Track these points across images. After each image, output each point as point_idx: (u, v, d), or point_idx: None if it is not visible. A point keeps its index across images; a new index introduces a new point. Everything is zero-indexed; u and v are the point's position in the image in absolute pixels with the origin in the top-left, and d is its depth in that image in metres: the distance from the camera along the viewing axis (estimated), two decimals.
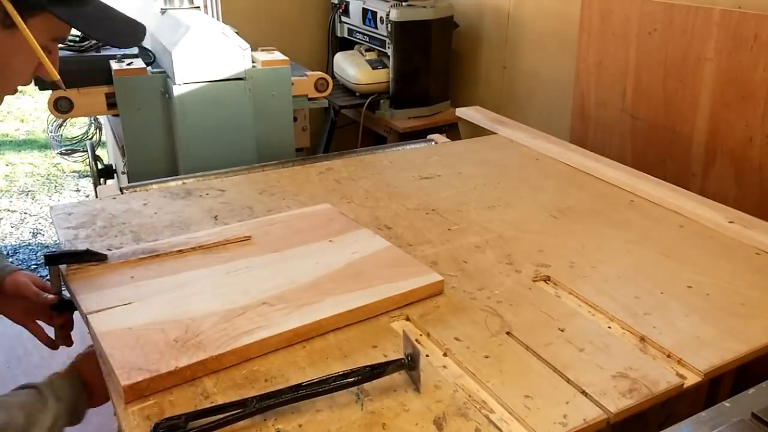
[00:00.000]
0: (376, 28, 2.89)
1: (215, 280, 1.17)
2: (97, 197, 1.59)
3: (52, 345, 1.26)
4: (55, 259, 1.18)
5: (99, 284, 1.14)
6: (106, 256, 1.21)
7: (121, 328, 1.02)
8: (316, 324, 1.05)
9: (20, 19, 0.85)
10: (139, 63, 2.04)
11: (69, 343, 1.26)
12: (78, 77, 2.02)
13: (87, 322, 1.05)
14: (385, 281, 1.16)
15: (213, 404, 0.89)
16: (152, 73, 2.03)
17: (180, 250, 1.26)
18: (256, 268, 1.20)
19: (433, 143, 2.02)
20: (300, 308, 1.08)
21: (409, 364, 0.95)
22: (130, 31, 1.00)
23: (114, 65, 1.99)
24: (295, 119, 2.17)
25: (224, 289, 1.13)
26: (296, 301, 1.10)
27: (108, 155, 3.23)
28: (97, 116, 3.96)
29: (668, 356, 1.03)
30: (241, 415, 0.86)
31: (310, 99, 2.24)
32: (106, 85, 2.02)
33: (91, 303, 1.08)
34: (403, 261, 1.24)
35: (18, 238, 3.51)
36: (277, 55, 2.10)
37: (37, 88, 2.04)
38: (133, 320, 1.04)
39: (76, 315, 1.22)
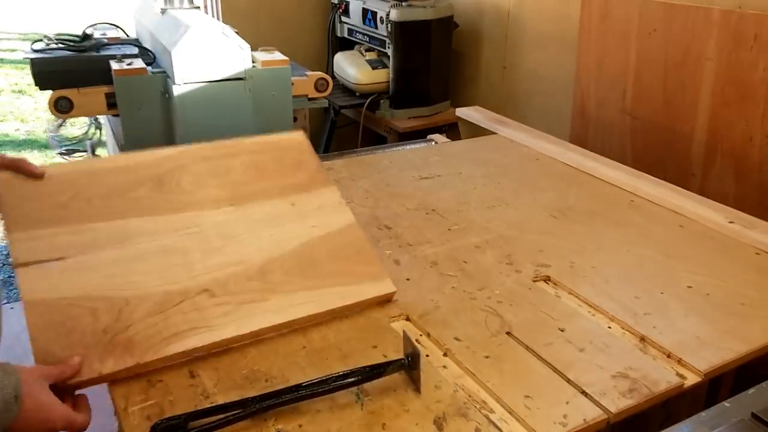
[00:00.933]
0: (376, 28, 2.89)
1: (161, 242, 1.09)
2: None
3: None
4: None
5: (34, 214, 1.05)
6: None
7: (50, 298, 0.97)
8: (252, 333, 1.03)
9: None
10: (139, 63, 2.03)
11: None
12: (78, 77, 2.02)
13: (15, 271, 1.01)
14: (334, 283, 1.12)
15: (213, 404, 0.89)
16: (152, 73, 2.03)
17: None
18: (207, 230, 1.12)
19: (433, 143, 2.02)
20: (240, 306, 1.04)
21: (409, 364, 0.95)
22: None
23: (114, 65, 1.99)
24: (295, 119, 2.17)
25: (168, 259, 1.06)
26: (238, 295, 1.06)
27: (108, 155, 3.22)
28: (97, 116, 3.96)
29: (668, 356, 1.03)
30: (241, 415, 0.86)
31: (310, 99, 2.24)
32: (106, 85, 2.02)
33: (22, 248, 1.01)
34: (361, 255, 1.18)
35: None
36: (277, 55, 2.10)
37: (37, 88, 2.04)
38: (64, 288, 0.98)
39: None
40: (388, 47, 2.85)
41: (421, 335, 1.07)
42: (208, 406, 0.88)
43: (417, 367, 0.94)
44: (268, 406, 0.88)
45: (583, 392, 0.94)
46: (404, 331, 0.99)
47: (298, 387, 0.90)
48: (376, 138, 3.11)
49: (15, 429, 0.82)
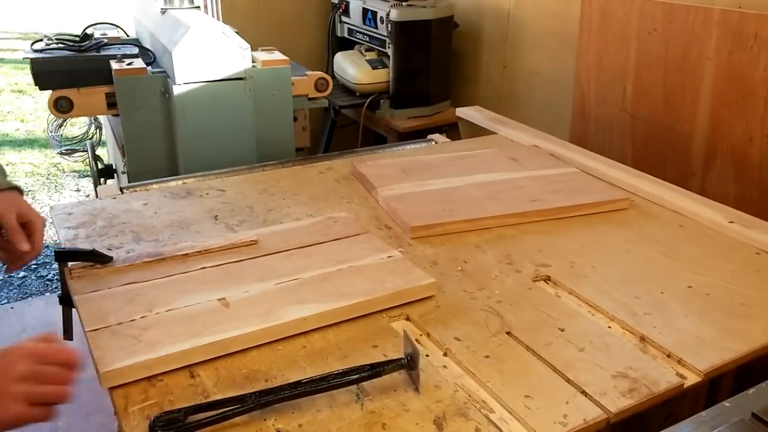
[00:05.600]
0: (376, 28, 2.89)
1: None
2: (97, 197, 1.59)
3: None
4: (64, 255, 1.18)
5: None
6: (111, 258, 1.21)
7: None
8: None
9: None
10: (139, 63, 2.04)
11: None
12: (78, 77, 2.02)
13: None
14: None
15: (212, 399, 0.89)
16: (152, 73, 2.03)
17: (185, 254, 1.24)
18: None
19: (433, 143, 2.02)
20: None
21: (409, 364, 0.95)
22: None
23: (114, 65, 1.99)
24: (295, 119, 2.17)
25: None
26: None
27: (108, 155, 3.23)
28: (97, 116, 3.96)
29: (668, 356, 1.03)
30: (239, 411, 0.86)
31: (310, 99, 2.24)
32: (106, 85, 2.02)
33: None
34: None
35: None
36: (277, 55, 2.10)
37: (37, 88, 2.04)
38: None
39: None
40: (388, 47, 2.85)
41: (421, 335, 1.07)
42: (207, 401, 0.89)
43: (416, 366, 0.94)
44: (267, 402, 0.88)
45: (583, 392, 0.94)
46: (404, 331, 0.99)
47: (297, 384, 0.91)
48: (376, 138, 3.11)
49: None
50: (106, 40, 2.23)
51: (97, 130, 4.44)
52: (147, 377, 0.95)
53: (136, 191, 1.60)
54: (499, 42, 2.84)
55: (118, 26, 2.54)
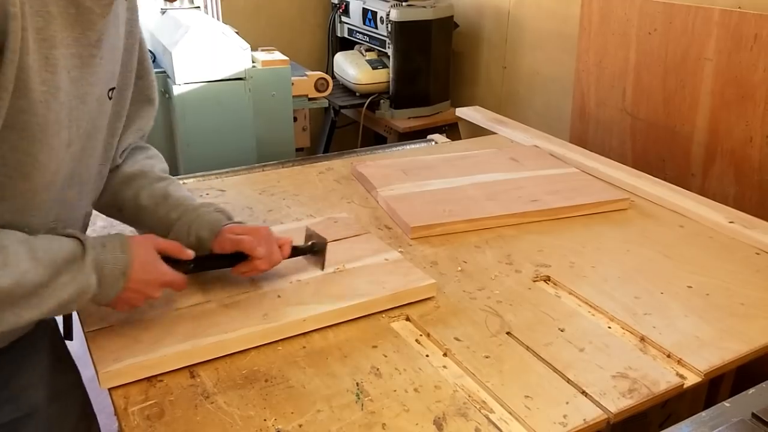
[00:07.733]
0: (376, 28, 2.89)
1: None
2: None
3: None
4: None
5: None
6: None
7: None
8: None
9: None
10: None
11: None
12: None
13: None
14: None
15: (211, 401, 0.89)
16: None
17: None
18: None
19: (433, 143, 2.02)
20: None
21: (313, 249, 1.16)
22: None
23: None
24: (295, 119, 2.17)
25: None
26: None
27: None
28: None
29: (668, 356, 1.03)
30: None
31: (310, 99, 2.24)
32: None
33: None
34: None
35: None
36: (277, 55, 2.10)
37: None
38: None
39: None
40: (388, 47, 2.85)
41: (421, 335, 1.07)
42: None
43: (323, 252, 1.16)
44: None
45: (583, 392, 0.94)
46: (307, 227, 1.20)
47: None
48: (376, 138, 3.12)
49: (122, 297, 0.92)
50: None
51: None
52: (147, 377, 0.95)
53: None
54: (499, 42, 2.84)
55: None
